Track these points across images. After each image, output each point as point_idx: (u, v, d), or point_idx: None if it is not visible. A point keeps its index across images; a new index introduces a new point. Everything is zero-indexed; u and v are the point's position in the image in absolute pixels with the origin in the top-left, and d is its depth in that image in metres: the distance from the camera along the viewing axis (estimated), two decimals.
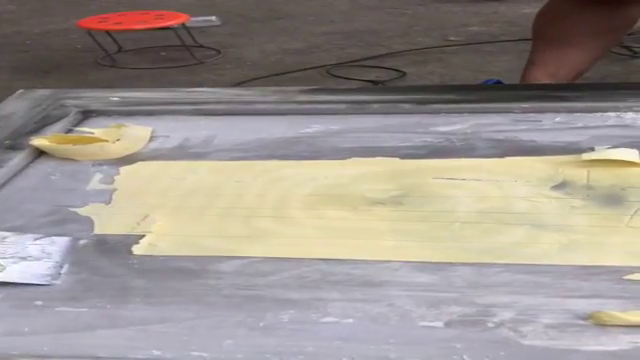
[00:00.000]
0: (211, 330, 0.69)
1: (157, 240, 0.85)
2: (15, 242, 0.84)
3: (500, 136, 1.07)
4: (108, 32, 4.40)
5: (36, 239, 0.85)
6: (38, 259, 0.81)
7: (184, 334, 0.69)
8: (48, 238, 0.85)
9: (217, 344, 0.67)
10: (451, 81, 3.80)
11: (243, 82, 3.83)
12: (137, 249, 0.83)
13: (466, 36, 4.59)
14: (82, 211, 0.92)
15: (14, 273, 0.78)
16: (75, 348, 0.68)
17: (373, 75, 3.98)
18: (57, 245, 0.84)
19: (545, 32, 1.43)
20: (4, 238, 0.85)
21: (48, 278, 0.78)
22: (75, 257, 0.82)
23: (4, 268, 0.79)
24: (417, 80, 3.87)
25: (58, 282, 0.77)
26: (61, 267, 0.80)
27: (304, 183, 0.97)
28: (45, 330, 0.70)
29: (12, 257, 0.81)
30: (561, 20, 1.41)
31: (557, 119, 1.11)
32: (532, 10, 5.22)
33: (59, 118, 1.18)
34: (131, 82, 3.94)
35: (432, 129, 1.10)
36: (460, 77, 3.85)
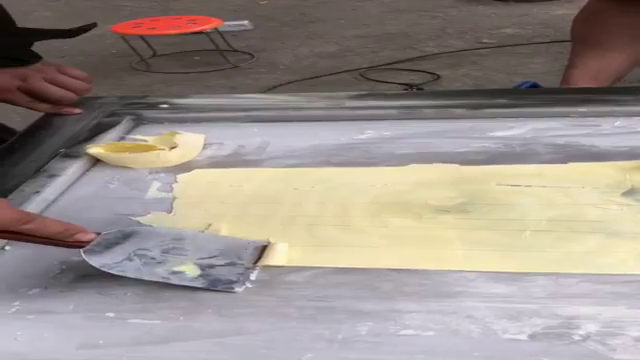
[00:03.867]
0: (289, 343, 0.68)
1: None
2: (214, 244, 0.83)
3: (561, 141, 1.05)
4: (142, 37, 4.42)
5: (230, 242, 0.83)
6: (232, 264, 0.80)
7: (262, 347, 0.68)
8: (244, 241, 0.84)
9: (297, 357, 0.66)
10: (485, 84, 3.78)
11: (277, 86, 3.83)
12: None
13: (499, 38, 4.56)
14: (144, 220, 0.91)
15: (204, 279, 0.77)
16: None
17: (407, 78, 3.96)
18: (249, 249, 0.82)
19: (585, 35, 1.41)
20: (206, 240, 0.84)
21: (234, 285, 0.76)
22: None
23: (198, 273, 0.78)
24: (451, 83, 3.84)
25: (240, 290, 0.76)
26: (251, 273, 0.79)
27: (364, 190, 0.96)
28: (120, 342, 0.69)
29: (208, 261, 0.80)
30: (600, 23, 1.39)
31: (616, 123, 1.09)
32: (565, 11, 5.19)
33: (111, 126, 1.18)
34: (166, 87, 3.95)
35: (489, 134, 1.09)
36: (495, 80, 3.82)
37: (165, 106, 1.26)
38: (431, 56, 4.31)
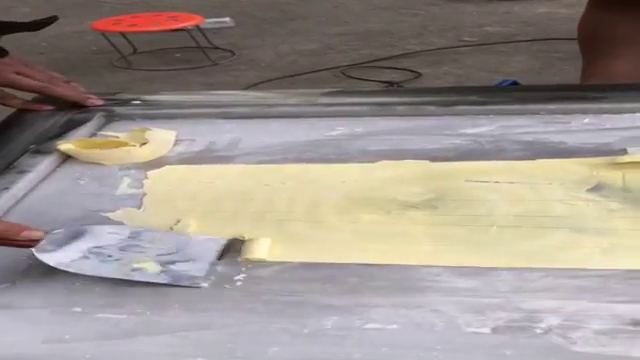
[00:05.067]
0: (254, 337, 0.68)
1: None
2: (171, 241, 0.83)
3: (529, 138, 1.06)
4: (122, 34, 4.41)
5: (193, 238, 0.83)
6: (194, 260, 0.80)
7: (227, 341, 0.68)
8: (207, 238, 0.84)
9: (262, 351, 0.66)
10: (466, 82, 3.79)
11: (258, 83, 3.82)
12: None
13: (480, 36, 4.57)
14: (114, 216, 0.91)
15: (166, 275, 0.77)
16: (118, 355, 0.67)
17: (388, 76, 3.97)
18: (213, 245, 0.82)
19: (592, 47, 1.43)
20: (162, 238, 0.84)
21: (199, 280, 0.77)
22: None
23: (159, 269, 0.78)
24: (432, 81, 3.85)
25: (205, 285, 0.76)
26: (214, 269, 0.78)
27: (334, 187, 0.96)
28: (86, 337, 0.69)
29: (168, 257, 0.80)
30: (605, 34, 1.41)
31: (585, 120, 1.10)
32: (546, 10, 5.17)
33: (83, 122, 1.17)
34: (146, 84, 3.94)
35: (459, 131, 1.10)
36: (475, 78, 3.83)
37: (137, 102, 1.26)
38: (412, 54, 4.32)
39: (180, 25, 4.40)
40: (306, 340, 0.68)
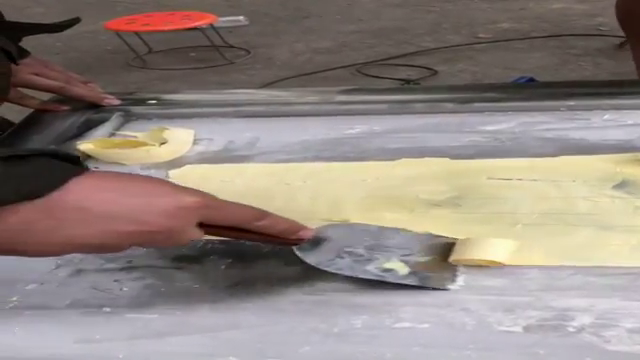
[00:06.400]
0: (285, 336, 0.68)
1: None
2: (410, 240, 0.81)
3: (550, 134, 1.06)
4: (137, 33, 4.41)
5: (425, 240, 0.81)
6: (434, 261, 0.77)
7: (257, 341, 0.68)
8: (432, 236, 0.82)
9: (293, 351, 0.66)
10: (483, 79, 3.77)
11: (274, 82, 3.82)
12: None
13: (495, 33, 4.54)
14: None
15: (415, 276, 0.75)
16: (150, 355, 0.67)
17: (404, 74, 3.95)
18: (441, 243, 0.80)
19: (631, 27, 1.43)
20: (403, 236, 0.81)
21: (446, 282, 0.74)
22: (138, 263, 0.81)
23: (408, 270, 0.76)
24: (448, 78, 3.83)
25: (454, 287, 0.74)
26: (457, 270, 0.76)
27: (355, 185, 0.96)
28: (117, 337, 0.69)
29: (412, 257, 0.78)
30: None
31: (606, 116, 1.10)
32: (562, 5, 5.13)
33: (101, 122, 1.17)
34: (162, 83, 3.93)
35: (479, 128, 1.09)
36: (492, 75, 3.81)
37: (154, 102, 1.25)
38: (427, 51, 4.30)
39: (194, 24, 4.39)
40: (336, 339, 0.68)
